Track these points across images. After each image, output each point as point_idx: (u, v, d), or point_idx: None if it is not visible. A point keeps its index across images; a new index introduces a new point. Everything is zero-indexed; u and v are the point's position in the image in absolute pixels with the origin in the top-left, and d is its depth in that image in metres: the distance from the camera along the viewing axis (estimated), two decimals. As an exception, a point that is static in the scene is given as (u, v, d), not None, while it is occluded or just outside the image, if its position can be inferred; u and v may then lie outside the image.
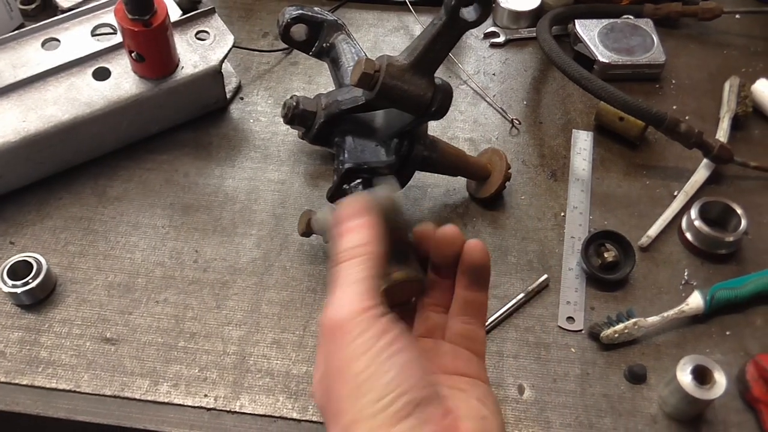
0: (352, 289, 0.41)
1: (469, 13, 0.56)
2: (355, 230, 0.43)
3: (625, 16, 0.90)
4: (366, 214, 0.43)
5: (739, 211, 0.71)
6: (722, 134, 0.79)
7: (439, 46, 0.58)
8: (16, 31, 0.77)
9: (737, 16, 0.94)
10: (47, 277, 0.66)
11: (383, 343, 0.39)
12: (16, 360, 0.63)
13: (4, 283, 0.65)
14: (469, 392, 0.44)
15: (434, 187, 0.76)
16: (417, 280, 0.48)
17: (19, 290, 0.65)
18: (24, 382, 0.62)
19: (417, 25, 0.93)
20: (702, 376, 0.58)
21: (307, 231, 0.67)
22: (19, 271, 0.66)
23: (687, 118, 0.83)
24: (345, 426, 0.39)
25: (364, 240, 0.42)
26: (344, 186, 0.64)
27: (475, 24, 0.57)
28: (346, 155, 0.64)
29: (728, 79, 0.84)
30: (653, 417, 0.61)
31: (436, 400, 0.40)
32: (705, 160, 0.77)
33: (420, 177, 0.74)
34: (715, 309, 0.66)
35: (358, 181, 0.63)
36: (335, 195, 0.65)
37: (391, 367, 0.39)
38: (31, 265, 0.66)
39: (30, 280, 0.65)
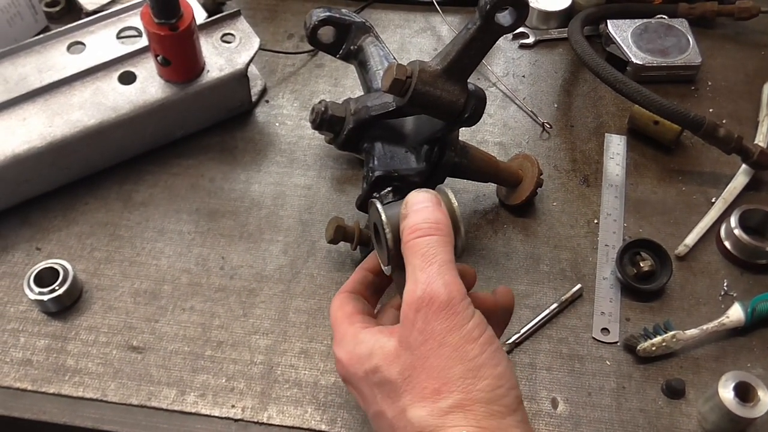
0: (448, 269, 0.43)
1: (504, 17, 0.55)
2: (430, 209, 0.46)
3: (659, 16, 0.87)
4: (441, 204, 0.47)
5: (780, 219, 0.69)
6: (762, 139, 0.77)
7: (472, 52, 0.56)
8: (41, 35, 0.76)
9: (775, 15, 0.92)
10: (74, 284, 0.66)
11: (489, 334, 0.43)
12: (42, 368, 0.63)
13: (31, 290, 0.65)
14: None
15: (463, 192, 0.74)
16: None
17: (45, 297, 0.64)
18: (51, 391, 0.62)
19: (444, 25, 0.91)
20: (745, 393, 0.56)
21: (335, 238, 0.66)
22: (46, 277, 0.65)
23: (724, 121, 0.80)
24: (454, 405, 0.40)
25: (440, 218, 0.45)
26: (374, 194, 0.62)
27: (511, 29, 0.55)
28: (375, 162, 0.63)
29: (767, 82, 0.82)
30: (692, 434, 0.59)
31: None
32: (744, 166, 0.75)
33: (448, 182, 0.72)
34: (756, 321, 0.64)
35: (389, 189, 0.62)
36: (364, 203, 0.63)
37: (501, 360, 0.42)
38: (58, 272, 0.65)
39: (57, 287, 0.65)
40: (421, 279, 0.43)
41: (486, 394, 0.41)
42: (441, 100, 0.56)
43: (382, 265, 0.52)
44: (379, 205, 0.49)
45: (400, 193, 0.61)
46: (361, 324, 0.49)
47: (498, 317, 0.50)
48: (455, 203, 0.48)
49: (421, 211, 0.46)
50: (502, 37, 0.89)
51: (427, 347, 0.42)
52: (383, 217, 0.48)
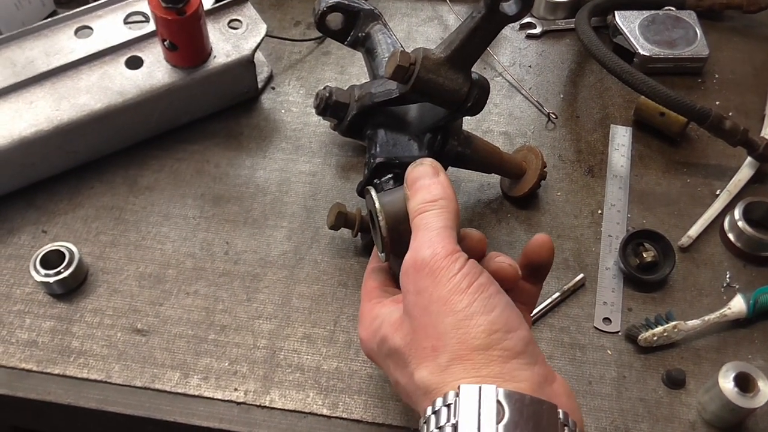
0: (438, 233, 0.44)
1: (509, 6, 0.55)
2: (431, 186, 0.46)
3: (667, 8, 0.87)
4: (439, 173, 0.47)
5: (785, 212, 0.69)
6: (768, 132, 0.77)
7: (477, 40, 0.56)
8: (49, 19, 0.77)
9: (784, 8, 0.91)
10: (79, 267, 0.66)
11: (482, 281, 0.42)
12: (48, 349, 0.63)
13: (37, 272, 0.65)
14: None
15: (468, 182, 0.75)
16: None
17: (51, 279, 0.65)
18: (56, 372, 0.62)
19: (451, 14, 0.91)
20: (745, 383, 0.56)
21: (336, 224, 0.66)
22: (52, 260, 0.66)
23: (730, 114, 0.80)
24: (452, 358, 0.40)
25: (440, 195, 0.46)
26: (375, 180, 0.62)
27: (516, 18, 0.55)
28: (377, 149, 0.63)
29: (774, 74, 0.82)
30: (692, 423, 0.59)
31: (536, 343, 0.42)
32: (749, 159, 0.74)
33: (453, 171, 0.73)
34: (758, 314, 0.64)
35: (390, 175, 0.62)
36: (365, 189, 0.63)
37: (496, 305, 0.41)
38: (64, 255, 0.66)
39: (62, 270, 0.65)
40: (412, 247, 0.45)
41: (481, 341, 0.40)
42: (444, 88, 0.56)
43: (378, 252, 0.52)
44: (373, 193, 0.50)
45: (400, 181, 0.61)
46: (377, 299, 0.51)
47: (527, 260, 0.49)
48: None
49: (419, 191, 0.47)
50: (509, 28, 0.90)
51: (420, 308, 0.42)
52: (377, 204, 0.49)
